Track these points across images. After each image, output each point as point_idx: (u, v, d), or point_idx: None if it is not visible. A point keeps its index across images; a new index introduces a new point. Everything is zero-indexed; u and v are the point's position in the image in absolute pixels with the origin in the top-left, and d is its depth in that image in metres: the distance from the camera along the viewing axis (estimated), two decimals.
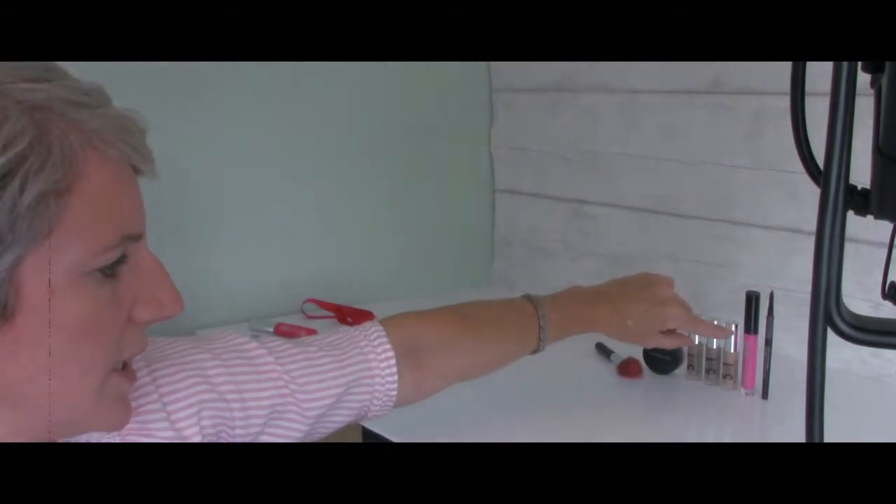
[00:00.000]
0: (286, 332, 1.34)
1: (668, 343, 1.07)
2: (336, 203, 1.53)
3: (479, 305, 0.96)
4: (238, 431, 0.73)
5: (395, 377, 0.84)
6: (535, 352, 0.97)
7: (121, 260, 0.56)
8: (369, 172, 1.56)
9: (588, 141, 1.52)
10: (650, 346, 1.11)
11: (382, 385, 0.84)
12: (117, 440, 0.65)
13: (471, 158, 1.70)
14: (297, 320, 1.40)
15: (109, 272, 0.55)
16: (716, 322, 1.13)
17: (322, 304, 1.46)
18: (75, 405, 0.57)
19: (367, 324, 0.87)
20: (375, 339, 0.85)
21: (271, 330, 1.35)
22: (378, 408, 0.85)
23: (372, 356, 0.83)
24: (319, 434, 0.82)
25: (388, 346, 0.84)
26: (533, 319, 0.95)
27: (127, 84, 1.26)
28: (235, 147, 1.41)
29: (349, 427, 1.03)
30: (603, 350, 1.25)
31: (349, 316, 1.42)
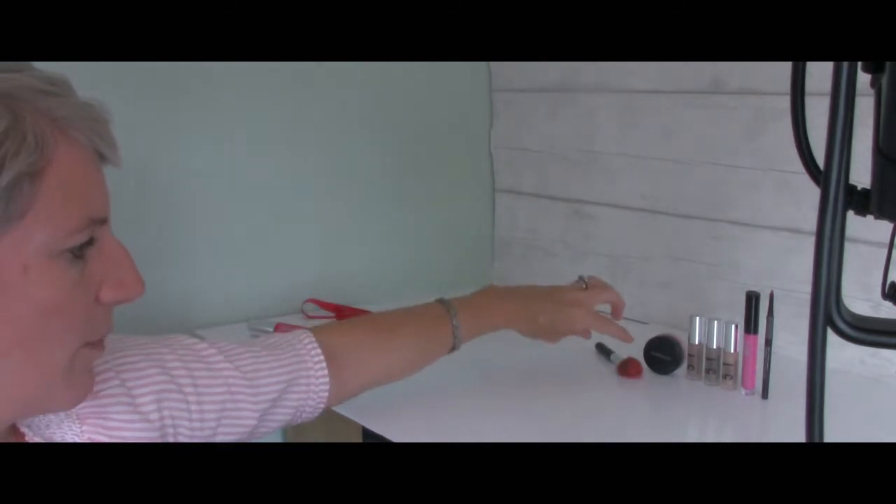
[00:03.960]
0: (286, 332, 1.34)
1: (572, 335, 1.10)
2: (336, 203, 1.53)
3: (393, 312, 1.01)
4: (196, 425, 0.76)
5: (327, 378, 0.88)
6: (452, 350, 1.01)
7: (89, 242, 0.59)
8: (369, 172, 1.56)
9: (588, 141, 1.52)
10: (554, 342, 1.11)
11: (317, 385, 0.87)
12: (77, 424, 0.66)
13: (471, 158, 1.70)
14: (296, 320, 1.40)
15: (78, 253, 0.58)
16: (716, 322, 1.13)
17: (322, 304, 1.46)
18: (44, 380, 0.59)
19: (299, 331, 0.91)
20: (308, 343, 0.89)
21: (271, 330, 1.35)
22: (311, 409, 0.88)
23: (307, 358, 0.88)
24: (261, 433, 0.85)
25: (319, 351, 0.89)
26: (445, 321, 1.00)
27: (128, 85, 1.27)
28: (235, 147, 1.41)
29: (349, 427, 1.04)
30: (603, 350, 1.25)
31: (349, 315, 1.42)
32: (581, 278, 1.12)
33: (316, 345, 0.89)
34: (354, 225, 1.56)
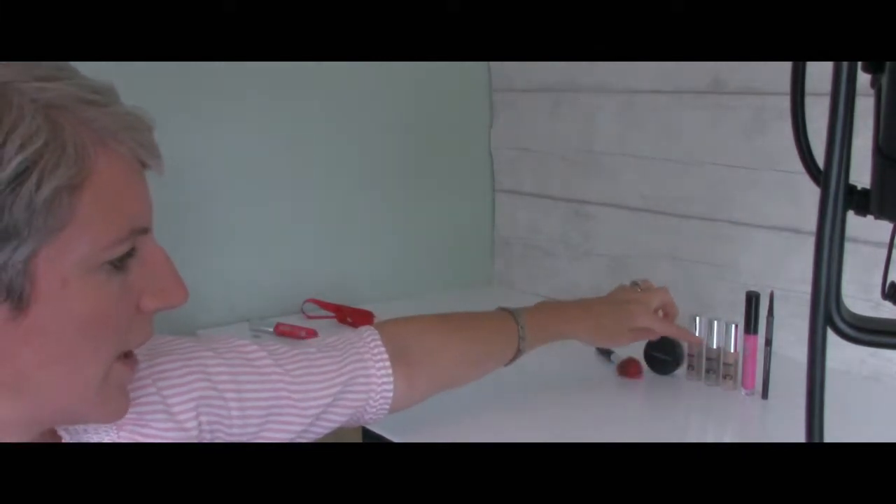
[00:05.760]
0: (286, 332, 1.34)
1: (636, 338, 1.10)
2: (336, 203, 1.53)
3: (463, 313, 0.99)
4: (235, 430, 0.75)
5: (391, 377, 0.86)
6: (517, 355, 0.99)
7: (130, 253, 0.58)
8: (369, 172, 1.56)
9: (588, 141, 1.52)
10: (622, 344, 1.11)
11: (378, 385, 0.86)
12: (114, 431, 0.66)
13: (471, 158, 1.70)
14: (297, 320, 1.40)
15: (119, 265, 0.57)
16: (716, 322, 1.13)
17: (322, 304, 1.46)
18: (79, 393, 0.59)
19: (363, 327, 0.90)
20: (371, 340, 0.87)
21: (271, 330, 1.35)
22: (374, 410, 0.87)
23: (368, 356, 0.86)
24: (315, 434, 0.84)
25: (382, 349, 0.87)
26: (510, 322, 0.98)
27: (131, 83, 1.27)
28: (236, 147, 1.41)
29: (349, 427, 1.04)
30: (603, 350, 1.25)
31: (349, 316, 1.42)
32: (635, 283, 1.13)
33: (379, 342, 0.87)
34: (354, 225, 1.56)
